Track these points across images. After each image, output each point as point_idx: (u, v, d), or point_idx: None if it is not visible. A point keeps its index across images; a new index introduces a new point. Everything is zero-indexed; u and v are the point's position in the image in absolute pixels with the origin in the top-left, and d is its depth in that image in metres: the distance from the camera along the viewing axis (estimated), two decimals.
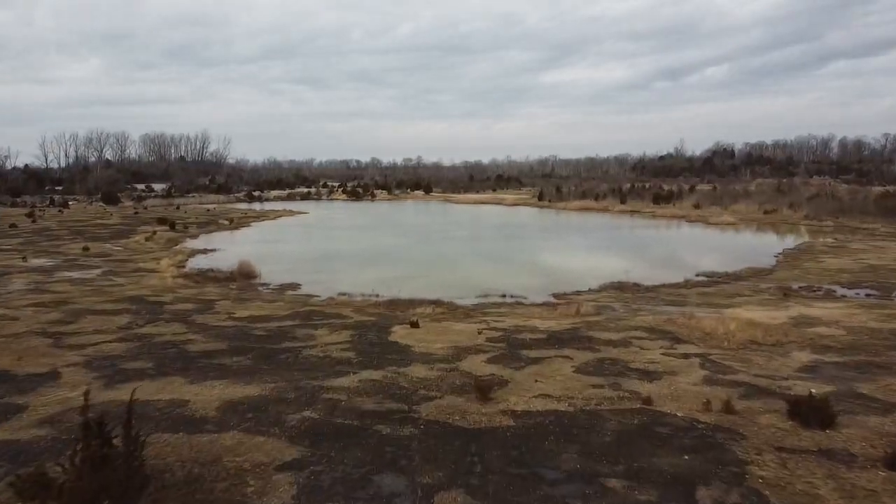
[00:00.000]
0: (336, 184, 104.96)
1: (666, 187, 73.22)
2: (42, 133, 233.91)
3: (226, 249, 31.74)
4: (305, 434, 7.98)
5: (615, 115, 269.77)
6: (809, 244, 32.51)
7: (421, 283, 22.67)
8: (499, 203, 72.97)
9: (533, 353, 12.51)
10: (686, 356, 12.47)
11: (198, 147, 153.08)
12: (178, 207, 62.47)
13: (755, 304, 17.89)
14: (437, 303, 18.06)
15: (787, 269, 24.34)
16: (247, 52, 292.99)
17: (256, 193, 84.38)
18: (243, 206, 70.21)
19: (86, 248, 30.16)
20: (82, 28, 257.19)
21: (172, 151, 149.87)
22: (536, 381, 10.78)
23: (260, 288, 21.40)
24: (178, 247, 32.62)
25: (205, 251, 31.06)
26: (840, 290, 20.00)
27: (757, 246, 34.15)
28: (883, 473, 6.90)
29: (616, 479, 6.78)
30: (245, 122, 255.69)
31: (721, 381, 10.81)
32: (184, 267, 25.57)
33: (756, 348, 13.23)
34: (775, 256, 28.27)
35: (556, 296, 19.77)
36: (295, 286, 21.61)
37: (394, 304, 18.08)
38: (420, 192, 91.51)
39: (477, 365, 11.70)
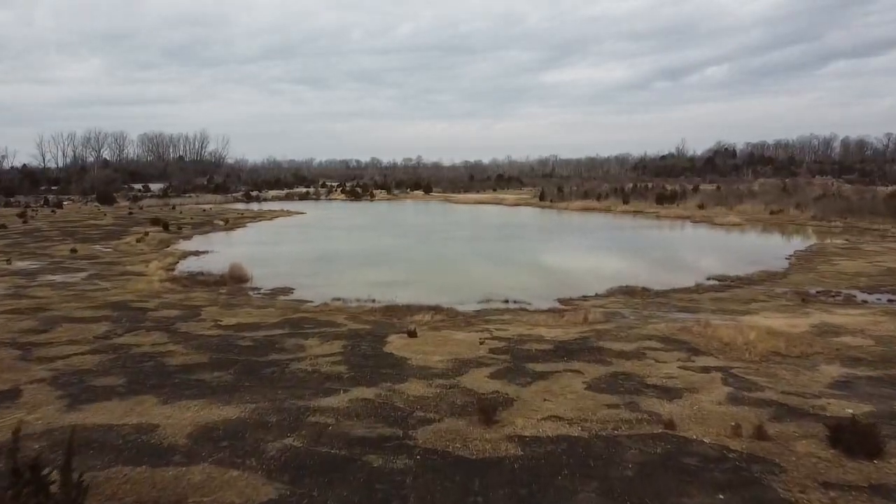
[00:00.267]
0: (335, 184, 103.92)
1: (669, 187, 72.25)
2: (42, 133, 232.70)
3: (219, 251, 30.77)
4: (286, 467, 7.02)
5: (615, 114, 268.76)
6: (821, 246, 31.53)
7: (419, 286, 21.70)
8: (499, 203, 71.97)
9: (540, 367, 11.54)
10: (706, 370, 11.51)
11: (196, 147, 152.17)
12: (173, 207, 61.51)
13: (773, 311, 16.92)
14: (436, 309, 17.09)
15: (802, 273, 23.36)
16: (247, 52, 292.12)
17: (254, 193, 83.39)
18: (240, 206, 69.23)
19: (74, 250, 29.19)
20: (82, 28, 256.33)
21: (171, 151, 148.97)
22: (545, 399, 9.81)
23: (251, 293, 20.43)
24: (169, 248, 31.65)
25: (197, 253, 30.08)
26: (860, 296, 19.03)
27: (766, 247, 33.17)
28: None
29: None
30: (245, 122, 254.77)
31: (747, 400, 9.86)
32: (173, 270, 24.60)
33: (780, 361, 12.26)
34: (787, 258, 27.28)
35: (561, 301, 18.80)
36: (287, 290, 20.64)
37: (390, 310, 17.11)
38: (420, 192, 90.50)
39: (479, 380, 10.74)
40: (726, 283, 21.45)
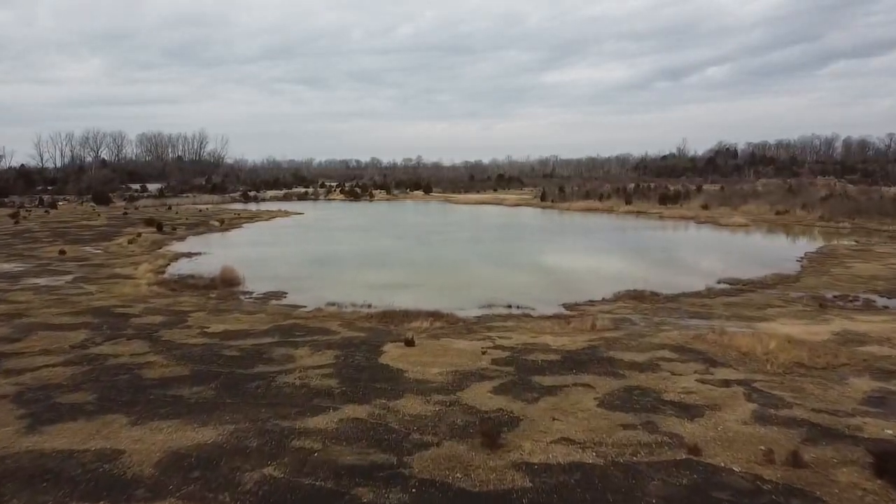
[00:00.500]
0: (334, 184, 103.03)
1: (672, 187, 71.40)
2: (41, 133, 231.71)
3: (212, 253, 29.91)
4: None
5: (616, 115, 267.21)
6: (831, 247, 30.67)
7: (418, 290, 20.85)
8: (500, 203, 71.09)
9: (547, 381, 10.68)
10: (726, 383, 10.65)
11: (195, 147, 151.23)
12: (169, 208, 60.66)
13: (790, 317, 16.07)
14: (435, 315, 16.23)
15: (815, 276, 22.49)
16: (247, 52, 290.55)
17: (252, 194, 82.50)
18: (238, 206, 68.37)
19: (62, 252, 28.34)
20: (82, 28, 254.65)
21: (170, 151, 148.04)
22: (554, 418, 8.95)
23: (242, 297, 19.56)
24: (161, 250, 30.77)
25: (189, 255, 29.21)
26: (880, 301, 18.19)
27: (775, 249, 32.32)
28: None
29: None
30: (245, 123, 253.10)
31: (775, 419, 9.01)
32: (163, 273, 23.73)
33: (805, 373, 11.40)
34: (798, 261, 26.42)
35: (567, 306, 17.93)
36: (280, 295, 19.77)
37: (387, 316, 16.25)
38: (420, 193, 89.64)
39: (481, 396, 9.88)
40: (738, 286, 20.58)
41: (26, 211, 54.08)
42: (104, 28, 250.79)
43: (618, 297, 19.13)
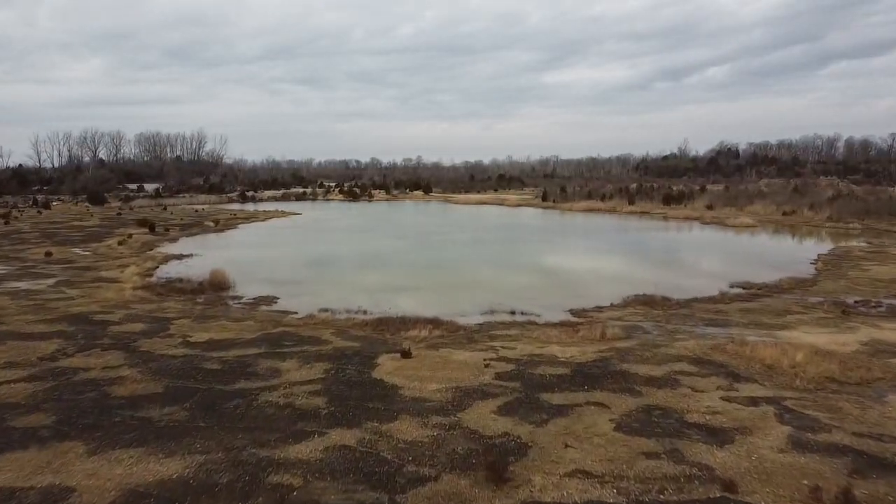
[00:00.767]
0: (333, 184, 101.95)
1: (675, 188, 70.39)
2: (39, 133, 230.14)
3: (204, 255, 28.90)
4: None
5: (616, 115, 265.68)
6: (844, 249, 29.66)
7: (416, 295, 19.87)
8: (501, 204, 70.07)
9: (557, 399, 9.70)
10: (754, 402, 9.67)
11: (194, 147, 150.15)
12: (165, 208, 59.66)
13: (812, 325, 15.09)
14: (434, 322, 15.23)
15: (832, 279, 21.50)
16: (248, 52, 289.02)
17: (250, 194, 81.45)
18: (235, 206, 67.36)
19: (48, 254, 27.35)
20: (83, 28, 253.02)
21: (168, 151, 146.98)
22: (567, 445, 7.98)
23: (230, 302, 18.56)
24: (151, 252, 29.75)
25: (180, 257, 28.20)
26: None
27: (786, 251, 31.33)
28: None
29: None
30: (245, 123, 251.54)
31: (814, 445, 8.04)
32: (151, 276, 22.73)
33: (838, 389, 10.42)
34: (812, 263, 25.43)
35: (574, 312, 16.94)
36: (271, 300, 18.77)
37: (383, 323, 15.26)
38: (419, 193, 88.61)
39: (485, 417, 8.90)
40: (753, 291, 19.59)
41: (18, 211, 53.10)
42: (105, 28, 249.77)
43: (627, 303, 18.13)
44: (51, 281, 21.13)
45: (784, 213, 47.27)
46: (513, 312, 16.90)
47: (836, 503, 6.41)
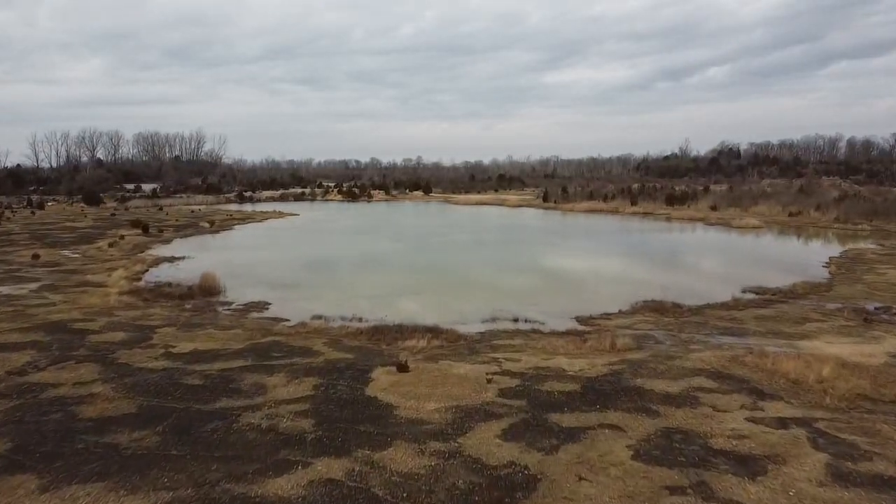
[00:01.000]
0: (332, 184, 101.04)
1: (678, 188, 69.55)
2: (37, 133, 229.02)
3: (196, 257, 28.04)
4: None
5: (617, 115, 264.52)
6: (856, 251, 28.79)
7: (415, 300, 19.03)
8: (501, 204, 69.17)
9: (567, 420, 8.85)
10: (783, 423, 8.82)
11: (192, 147, 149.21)
12: (160, 208, 58.82)
13: (834, 334, 14.24)
14: (433, 331, 14.38)
15: (847, 284, 20.64)
16: (248, 52, 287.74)
17: (248, 194, 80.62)
18: (233, 207, 66.50)
19: (36, 256, 26.51)
20: (83, 28, 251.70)
21: (167, 151, 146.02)
22: (581, 477, 7.13)
23: (220, 308, 17.69)
24: (142, 254, 28.88)
25: (172, 259, 27.34)
26: None
27: (796, 253, 30.47)
28: None
29: None
30: (245, 123, 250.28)
31: (857, 477, 7.19)
32: (139, 280, 21.88)
33: (872, 408, 9.57)
34: (825, 266, 24.56)
35: (580, 320, 16.08)
36: (262, 306, 17.91)
37: (379, 332, 14.41)
38: (419, 193, 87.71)
39: (488, 443, 8.05)
40: (767, 296, 18.72)
41: (11, 212, 52.27)
42: (105, 28, 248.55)
43: (636, 309, 17.28)
44: (34, 285, 20.27)
45: (790, 214, 46.41)
46: (516, 320, 16.05)
47: None
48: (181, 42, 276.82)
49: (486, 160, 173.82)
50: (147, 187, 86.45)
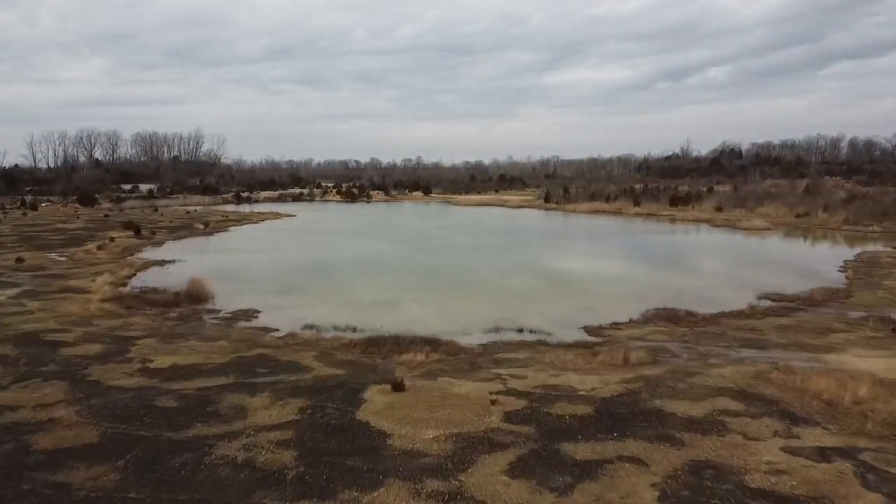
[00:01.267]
0: (330, 184, 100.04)
1: (681, 188, 68.53)
2: (34, 133, 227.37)
3: (187, 261, 27.06)
4: None
5: (617, 115, 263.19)
6: (871, 254, 27.79)
7: (413, 307, 18.08)
8: (502, 205, 68.16)
9: (581, 451, 7.88)
10: (823, 455, 7.85)
11: (191, 147, 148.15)
12: (156, 209, 57.84)
13: (862, 347, 13.27)
14: (432, 343, 13.39)
15: (867, 290, 19.66)
16: (249, 52, 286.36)
17: (245, 195, 79.60)
18: (230, 207, 65.51)
19: (19, 260, 25.55)
20: (84, 29, 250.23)
21: (166, 151, 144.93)
22: None
23: (206, 317, 16.71)
24: (131, 258, 27.91)
25: (161, 263, 26.38)
26: None
27: (807, 255, 29.53)
28: None
29: None
30: (246, 123, 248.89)
31: None
32: (124, 285, 20.91)
33: None
34: (840, 270, 23.58)
35: (589, 330, 15.10)
36: (251, 314, 16.94)
37: (374, 344, 13.43)
38: (419, 193, 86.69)
39: (494, 481, 7.08)
40: (785, 303, 17.76)
41: (3, 213, 51.30)
42: (106, 28, 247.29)
43: (647, 318, 16.30)
44: (13, 291, 19.30)
45: (797, 216, 45.41)
46: (520, 330, 15.07)
47: None
48: (182, 42, 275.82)
49: (487, 160, 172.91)
50: (144, 188, 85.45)
